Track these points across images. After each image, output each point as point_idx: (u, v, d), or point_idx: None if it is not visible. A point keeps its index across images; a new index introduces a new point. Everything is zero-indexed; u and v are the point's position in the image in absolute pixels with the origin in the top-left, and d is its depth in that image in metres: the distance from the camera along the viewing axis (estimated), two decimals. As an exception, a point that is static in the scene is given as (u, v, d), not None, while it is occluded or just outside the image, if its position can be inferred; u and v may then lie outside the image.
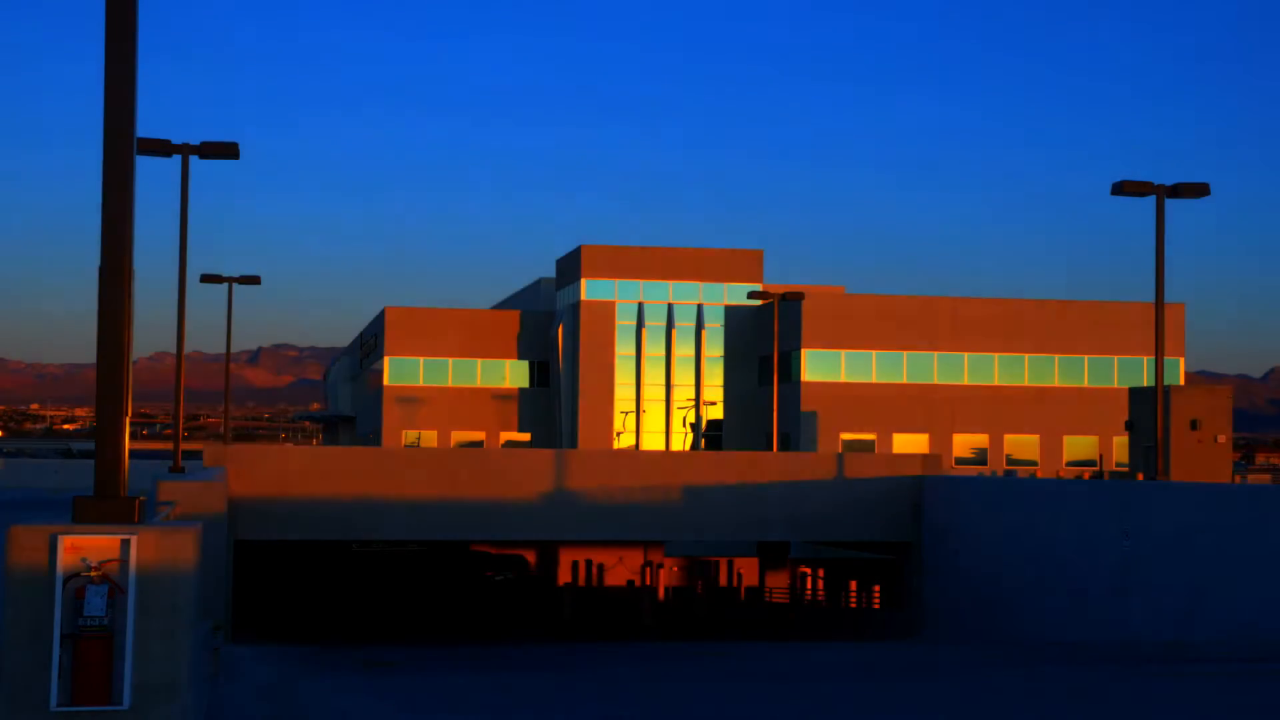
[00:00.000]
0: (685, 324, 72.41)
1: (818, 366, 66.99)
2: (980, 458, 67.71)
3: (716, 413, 71.93)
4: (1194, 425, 51.80)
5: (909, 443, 65.82)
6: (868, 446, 64.53)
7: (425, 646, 35.14)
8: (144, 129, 37.56)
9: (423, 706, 15.54)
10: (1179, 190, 33.25)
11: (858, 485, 39.05)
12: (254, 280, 47.69)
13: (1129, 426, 53.39)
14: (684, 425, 71.83)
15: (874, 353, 67.67)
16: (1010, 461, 67.14)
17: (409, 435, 73.95)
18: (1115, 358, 69.52)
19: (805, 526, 39.58)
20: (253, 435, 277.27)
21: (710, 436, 71.28)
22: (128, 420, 9.55)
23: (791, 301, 61.83)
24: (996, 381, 68.67)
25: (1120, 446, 66.66)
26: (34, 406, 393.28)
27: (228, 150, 32.61)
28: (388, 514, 37.49)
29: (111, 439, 9.45)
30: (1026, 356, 69.06)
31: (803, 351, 66.81)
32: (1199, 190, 33.41)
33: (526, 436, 74.94)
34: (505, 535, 39.49)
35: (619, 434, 71.43)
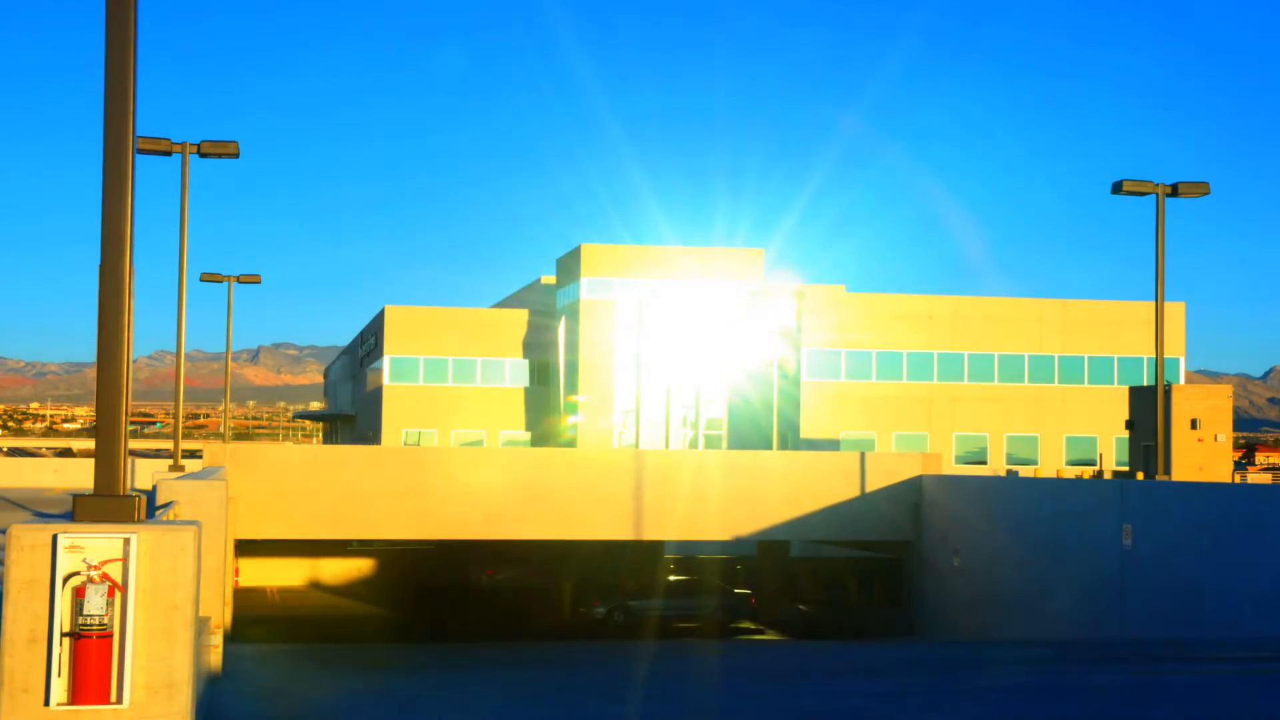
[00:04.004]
0: (685, 323, 72.41)
1: (818, 366, 67.00)
2: (980, 457, 67.74)
3: (716, 411, 71.94)
4: (1194, 424, 51.89)
5: (909, 442, 65.83)
6: (868, 446, 64.51)
7: (425, 646, 35.13)
8: (144, 128, 37.60)
9: (423, 707, 15.54)
10: (1179, 190, 33.27)
11: (857, 485, 39.06)
12: (254, 280, 47.80)
13: (1129, 426, 53.48)
14: (684, 424, 71.83)
15: (874, 352, 67.68)
16: (1010, 461, 67.19)
17: (409, 434, 73.98)
18: (1115, 357, 69.56)
19: (805, 526, 39.58)
20: (252, 434, 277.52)
21: (710, 436, 71.30)
22: (126, 419, 9.55)
23: (791, 300, 61.89)
24: (996, 381, 68.70)
25: (1120, 446, 66.71)
26: (34, 406, 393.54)
27: (228, 149, 32.67)
28: (387, 513, 37.50)
29: (111, 438, 9.46)
30: (1026, 356, 69.09)
31: (802, 350, 66.80)
32: (1199, 190, 33.43)
33: (526, 435, 74.96)
34: (505, 534, 39.51)
35: (619, 433, 71.43)
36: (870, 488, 38.97)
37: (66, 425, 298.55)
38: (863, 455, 40.41)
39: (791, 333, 67.50)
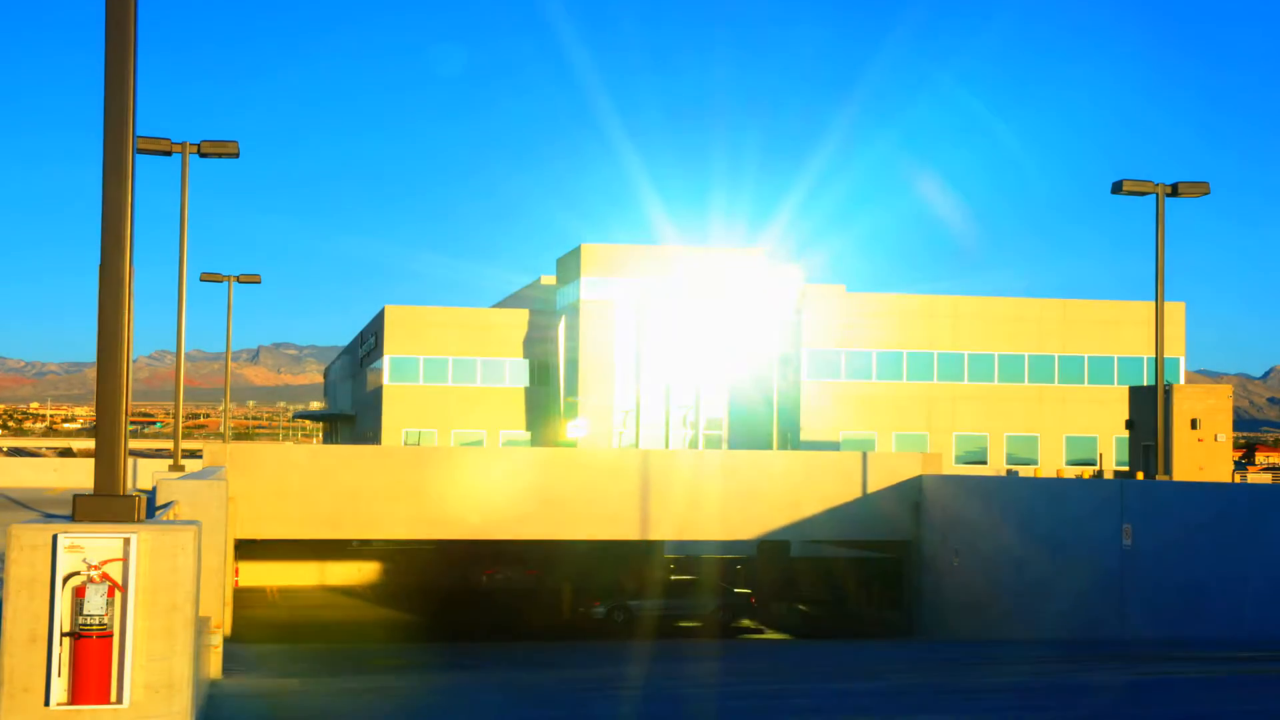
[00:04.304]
0: (684, 322, 72.37)
1: (818, 365, 66.98)
2: (980, 457, 67.73)
3: (716, 411, 71.92)
4: (1194, 424, 51.89)
5: (909, 442, 65.81)
6: (868, 446, 64.51)
7: (425, 646, 35.14)
8: (143, 126, 37.60)
9: (423, 707, 15.54)
10: (1179, 190, 33.27)
11: (858, 484, 39.06)
12: (254, 279, 47.83)
13: (1129, 426, 53.47)
14: (684, 424, 71.81)
15: (874, 352, 67.68)
16: (1010, 461, 67.19)
17: (409, 434, 73.96)
18: (1115, 357, 69.56)
19: (806, 526, 39.59)
20: (252, 434, 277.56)
21: (710, 436, 71.28)
22: (126, 419, 9.55)
23: (791, 300, 61.88)
24: (996, 381, 68.68)
25: (1120, 446, 66.70)
26: (34, 406, 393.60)
27: (227, 149, 32.69)
28: (387, 513, 37.49)
29: (111, 438, 9.45)
30: (1026, 356, 69.08)
31: (802, 350, 66.78)
32: (1199, 190, 33.43)
33: (526, 435, 74.94)
34: (504, 534, 39.49)
35: (619, 433, 71.42)
36: (871, 488, 38.96)
37: (66, 425, 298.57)
38: (863, 455, 40.40)
39: (792, 332, 67.50)
